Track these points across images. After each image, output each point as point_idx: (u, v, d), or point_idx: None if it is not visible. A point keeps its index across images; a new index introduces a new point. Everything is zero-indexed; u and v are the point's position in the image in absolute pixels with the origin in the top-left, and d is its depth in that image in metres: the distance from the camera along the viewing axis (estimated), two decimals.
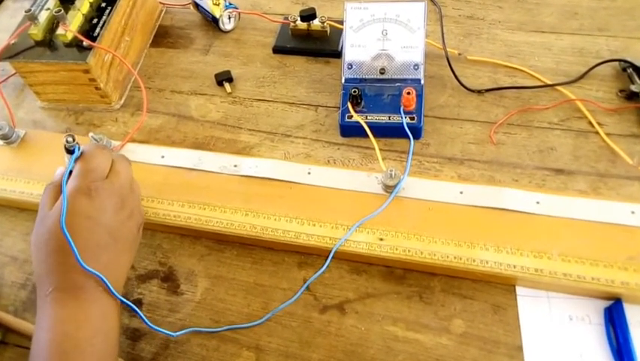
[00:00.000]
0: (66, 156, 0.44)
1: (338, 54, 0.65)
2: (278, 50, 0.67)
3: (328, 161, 0.57)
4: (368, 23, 0.58)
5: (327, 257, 0.49)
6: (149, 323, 0.44)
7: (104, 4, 0.64)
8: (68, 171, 0.42)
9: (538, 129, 0.56)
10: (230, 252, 0.53)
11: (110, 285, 0.40)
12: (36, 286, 0.41)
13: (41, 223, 0.42)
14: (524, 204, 0.49)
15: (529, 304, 0.46)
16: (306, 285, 0.49)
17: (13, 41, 0.61)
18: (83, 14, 0.62)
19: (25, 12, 0.60)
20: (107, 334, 0.41)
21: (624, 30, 0.63)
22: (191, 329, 0.47)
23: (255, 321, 0.47)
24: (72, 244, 0.39)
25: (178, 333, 0.46)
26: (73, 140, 0.43)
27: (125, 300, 0.42)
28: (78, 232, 0.40)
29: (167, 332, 0.44)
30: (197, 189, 0.54)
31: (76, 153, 0.43)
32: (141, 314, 0.43)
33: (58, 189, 0.43)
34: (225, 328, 0.47)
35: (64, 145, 0.43)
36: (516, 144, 0.55)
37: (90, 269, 0.39)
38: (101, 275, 0.40)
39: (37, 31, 0.60)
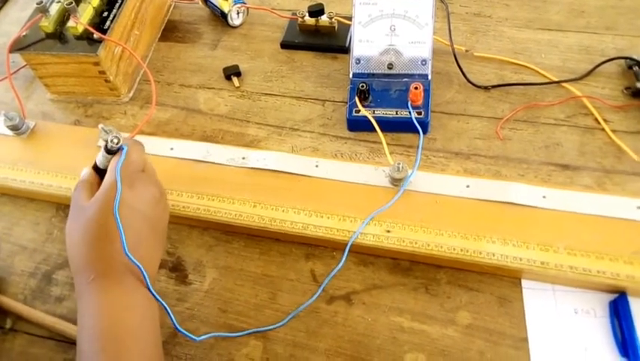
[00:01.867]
0: (102, 154, 0.44)
1: (346, 49, 0.65)
2: (286, 45, 0.68)
3: (335, 155, 0.57)
4: (376, 19, 0.59)
5: (343, 250, 0.49)
6: (178, 326, 0.42)
7: None
8: (120, 163, 0.42)
9: (544, 125, 0.57)
10: (238, 243, 0.53)
11: (147, 278, 0.40)
12: (74, 277, 0.41)
13: (80, 214, 0.42)
14: (530, 198, 0.50)
15: (535, 297, 0.47)
16: (322, 287, 0.48)
17: (24, 33, 0.62)
18: (94, 7, 0.62)
19: (37, 4, 0.61)
20: (153, 320, 0.41)
21: (631, 28, 0.63)
22: (212, 334, 0.46)
23: (275, 324, 0.47)
24: (122, 232, 0.39)
25: (200, 338, 0.45)
26: (119, 141, 0.43)
27: (159, 298, 0.41)
28: (120, 222, 0.40)
29: (191, 336, 0.43)
30: (206, 181, 0.55)
31: (126, 149, 0.43)
32: (171, 314, 0.42)
33: (91, 186, 0.44)
34: (247, 332, 0.47)
35: (107, 145, 0.43)
36: (522, 139, 0.56)
37: (134, 260, 0.39)
38: (142, 268, 0.39)
39: (48, 24, 0.61)
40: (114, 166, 0.42)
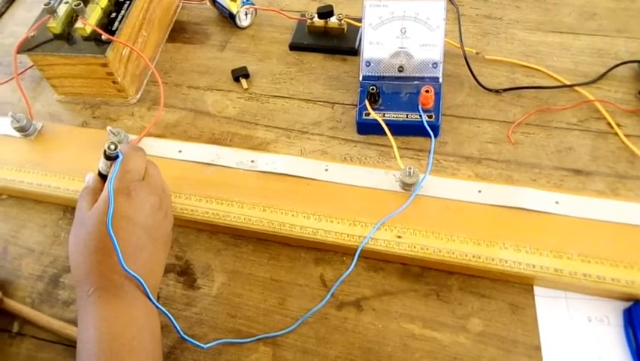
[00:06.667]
0: (102, 160, 0.44)
1: (355, 52, 0.65)
2: (294, 46, 0.67)
3: (345, 158, 0.56)
4: (387, 21, 0.58)
5: (353, 255, 0.48)
6: (183, 334, 0.43)
7: None
8: (114, 175, 0.42)
9: (556, 130, 0.56)
10: (246, 247, 0.53)
11: (147, 289, 0.40)
12: (75, 288, 0.41)
13: (80, 225, 0.42)
14: (543, 204, 0.49)
15: (548, 305, 0.46)
16: (331, 292, 0.48)
17: (32, 34, 0.61)
18: (102, 8, 0.62)
19: (45, 5, 0.60)
20: (152, 331, 0.41)
21: None
22: (220, 341, 0.46)
23: (284, 329, 0.47)
24: (117, 246, 0.39)
25: (208, 345, 0.45)
26: (116, 147, 0.43)
27: (162, 308, 0.41)
28: (116, 233, 0.39)
29: (198, 343, 0.44)
30: (215, 184, 0.54)
31: (120, 158, 0.43)
32: (175, 324, 0.42)
33: (94, 193, 0.43)
34: (256, 338, 0.47)
35: (105, 151, 0.43)
36: (534, 143, 0.55)
37: (132, 273, 0.39)
38: (141, 279, 0.40)
39: (55, 25, 0.61)
40: (110, 178, 0.42)
